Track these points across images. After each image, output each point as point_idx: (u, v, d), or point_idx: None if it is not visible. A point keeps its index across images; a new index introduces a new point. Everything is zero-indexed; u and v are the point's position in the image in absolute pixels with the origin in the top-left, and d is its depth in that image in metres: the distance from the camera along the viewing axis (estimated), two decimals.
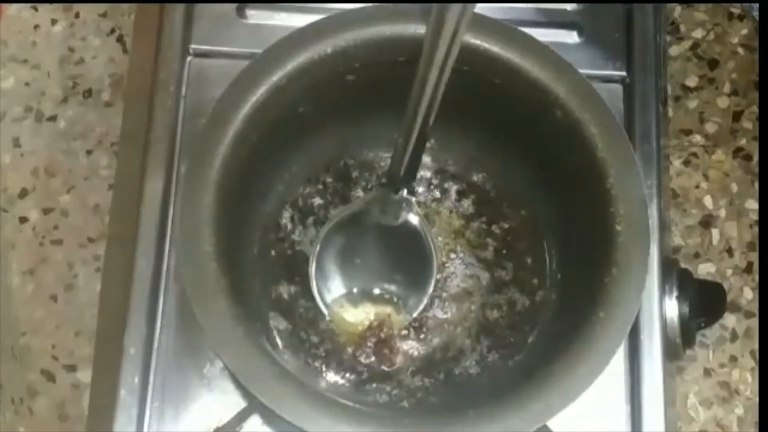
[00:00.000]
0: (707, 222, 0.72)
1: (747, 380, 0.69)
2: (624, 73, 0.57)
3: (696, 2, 0.76)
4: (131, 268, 0.52)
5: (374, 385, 0.52)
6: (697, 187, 0.73)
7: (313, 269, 0.52)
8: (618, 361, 0.52)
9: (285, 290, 0.54)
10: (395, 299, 0.53)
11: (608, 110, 0.49)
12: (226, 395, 0.51)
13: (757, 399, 0.68)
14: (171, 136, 0.55)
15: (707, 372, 0.69)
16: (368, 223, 0.52)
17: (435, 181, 0.56)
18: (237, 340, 0.44)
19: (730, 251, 0.71)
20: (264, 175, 0.53)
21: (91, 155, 0.73)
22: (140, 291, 0.52)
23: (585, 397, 0.44)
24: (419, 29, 0.48)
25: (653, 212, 0.54)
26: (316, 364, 0.52)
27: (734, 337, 0.70)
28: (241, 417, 0.50)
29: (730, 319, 0.70)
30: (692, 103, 0.74)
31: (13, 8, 0.76)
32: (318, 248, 0.52)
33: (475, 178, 0.56)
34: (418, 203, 0.53)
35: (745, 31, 0.76)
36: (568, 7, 0.59)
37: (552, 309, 0.53)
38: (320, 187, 0.55)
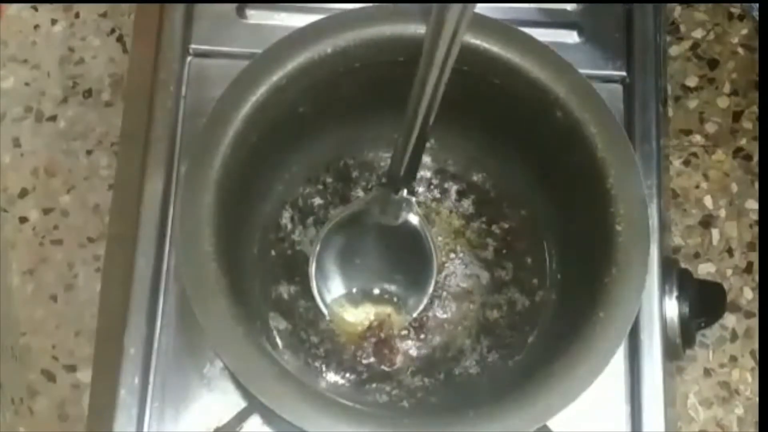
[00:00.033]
0: (707, 222, 0.72)
1: (747, 380, 0.69)
2: (624, 73, 0.57)
3: (696, 2, 0.76)
4: (131, 268, 0.52)
5: (374, 385, 0.52)
6: (697, 187, 0.73)
7: (313, 269, 0.52)
8: (618, 361, 0.52)
9: (285, 290, 0.54)
10: (395, 299, 0.53)
11: (608, 110, 0.49)
12: (226, 395, 0.51)
13: (757, 399, 0.68)
14: (171, 136, 0.55)
15: (707, 372, 0.69)
16: (368, 223, 0.52)
17: (435, 181, 0.56)
18: (237, 340, 0.44)
19: (730, 251, 0.71)
20: (264, 175, 0.53)
21: (91, 155, 0.73)
22: (140, 291, 0.52)
23: (585, 397, 0.44)
24: (419, 29, 0.48)
25: (653, 212, 0.54)
26: (316, 364, 0.52)
27: (734, 337, 0.70)
28: (241, 417, 0.50)
29: (730, 319, 0.70)
30: (692, 103, 0.74)
31: (13, 8, 0.76)
32: (318, 248, 0.52)
33: (475, 178, 0.56)
34: (418, 203, 0.53)
35: (745, 31, 0.76)
36: (568, 7, 0.59)
37: (552, 309, 0.53)
38: (320, 187, 0.55)
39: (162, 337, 0.52)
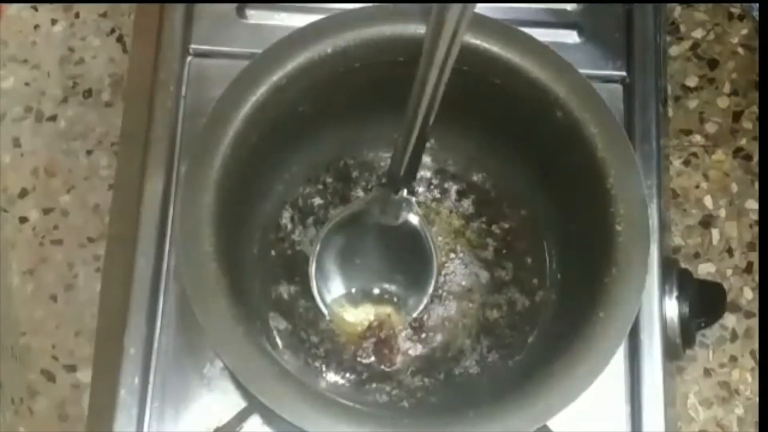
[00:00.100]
0: (707, 222, 0.72)
1: (747, 380, 0.69)
2: (624, 73, 0.57)
3: (696, 2, 0.76)
4: (131, 268, 0.52)
5: (374, 385, 0.52)
6: (697, 187, 0.73)
7: (313, 269, 0.52)
8: (618, 361, 0.52)
9: (285, 290, 0.54)
10: (395, 299, 0.53)
11: (608, 110, 0.49)
12: (226, 395, 0.51)
13: (757, 399, 0.68)
14: (171, 136, 0.55)
15: (707, 372, 0.69)
16: (368, 223, 0.52)
17: (435, 181, 0.56)
18: (237, 340, 0.44)
19: (730, 251, 0.71)
20: (264, 175, 0.53)
21: (91, 155, 0.73)
22: (140, 291, 0.52)
23: (585, 397, 0.44)
24: (419, 29, 0.48)
25: (653, 212, 0.54)
26: (316, 364, 0.52)
27: (734, 337, 0.70)
28: (241, 417, 0.50)
29: (730, 319, 0.70)
30: (692, 103, 0.74)
31: (13, 8, 0.76)
32: (318, 248, 0.52)
33: (475, 178, 0.56)
34: (418, 203, 0.53)
35: (745, 31, 0.76)
36: (568, 7, 0.59)
37: (552, 309, 0.53)
38: (320, 187, 0.55)
39: (162, 337, 0.52)
